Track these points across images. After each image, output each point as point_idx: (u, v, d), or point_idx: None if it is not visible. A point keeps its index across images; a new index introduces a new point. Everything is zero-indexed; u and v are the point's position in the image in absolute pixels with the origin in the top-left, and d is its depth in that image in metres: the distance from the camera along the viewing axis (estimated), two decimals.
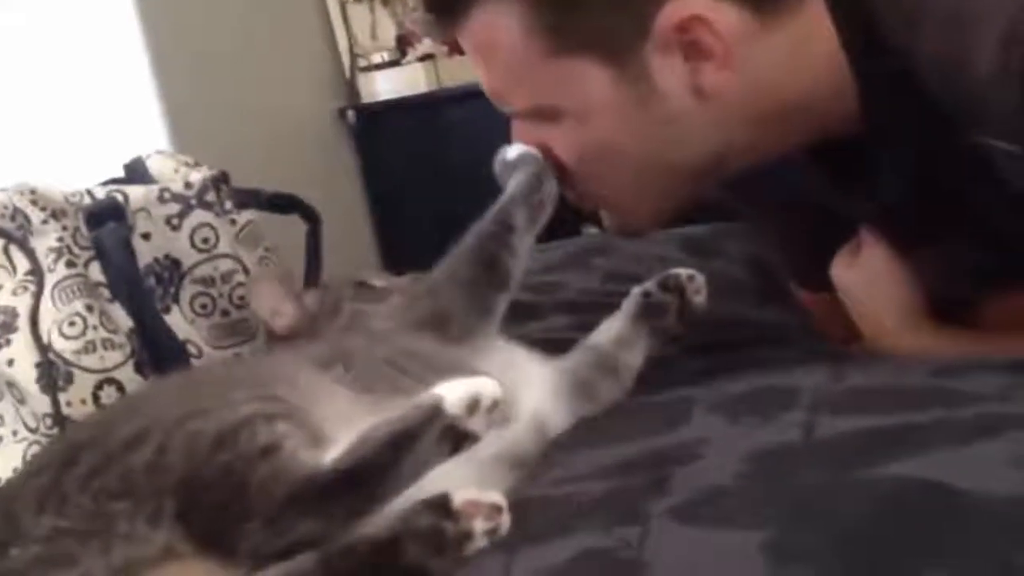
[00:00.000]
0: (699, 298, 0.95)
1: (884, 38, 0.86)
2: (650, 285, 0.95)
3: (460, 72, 2.69)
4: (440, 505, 0.66)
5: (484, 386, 0.68)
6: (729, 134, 0.91)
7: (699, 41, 0.86)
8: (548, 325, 1.13)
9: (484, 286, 0.90)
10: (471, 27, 0.91)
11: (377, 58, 2.81)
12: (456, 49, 2.77)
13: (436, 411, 0.66)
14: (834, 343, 1.09)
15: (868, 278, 1.03)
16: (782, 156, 0.96)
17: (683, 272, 0.95)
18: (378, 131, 2.79)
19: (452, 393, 0.67)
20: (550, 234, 1.35)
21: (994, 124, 0.80)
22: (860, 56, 0.88)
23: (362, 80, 2.81)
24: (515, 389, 0.85)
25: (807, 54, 0.89)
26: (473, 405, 0.67)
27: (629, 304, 0.95)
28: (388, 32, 2.86)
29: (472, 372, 0.82)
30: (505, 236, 0.91)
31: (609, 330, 0.95)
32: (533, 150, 0.94)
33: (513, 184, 0.93)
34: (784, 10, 0.88)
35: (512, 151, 0.95)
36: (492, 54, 0.92)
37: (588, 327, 0.97)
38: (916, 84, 0.84)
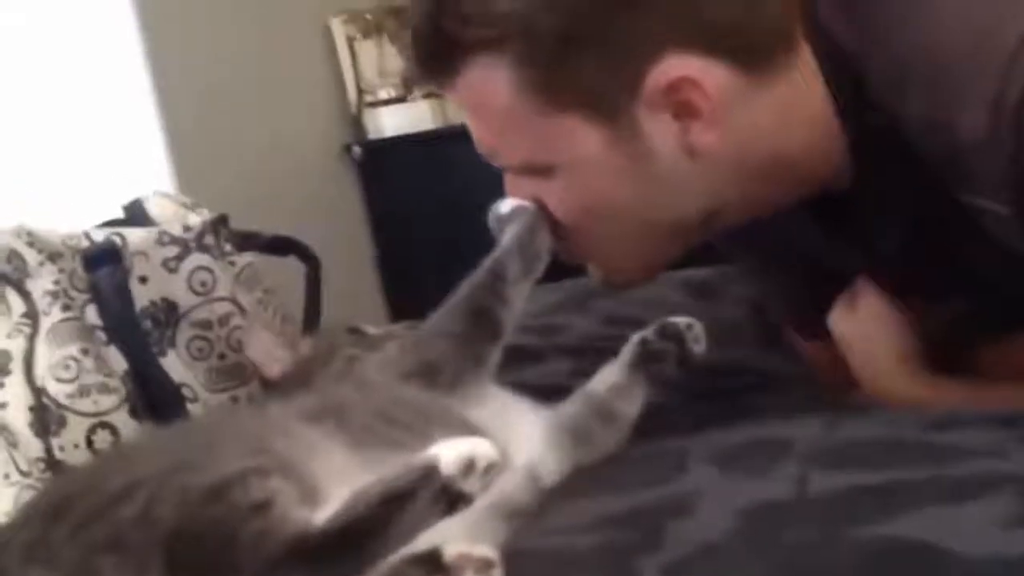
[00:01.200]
0: (698, 347, 0.95)
1: (873, 100, 0.86)
2: (648, 333, 0.95)
3: None
4: (430, 559, 0.66)
5: (480, 447, 0.67)
6: (720, 191, 0.91)
7: (688, 101, 0.86)
8: (547, 370, 1.13)
9: (476, 336, 0.90)
10: (461, 84, 0.91)
11: (384, 94, 2.82)
12: None
13: (431, 472, 0.65)
14: (831, 390, 1.09)
15: (865, 326, 1.03)
16: (775, 210, 0.96)
17: (681, 320, 0.95)
18: (383, 167, 2.80)
19: (447, 454, 0.66)
20: (555, 273, 1.35)
21: (981, 185, 0.81)
22: (850, 117, 0.89)
23: (368, 116, 2.82)
24: (510, 439, 0.84)
25: (797, 113, 0.89)
26: (468, 466, 0.66)
27: (627, 352, 0.95)
28: (395, 69, 2.88)
29: (467, 425, 0.82)
30: (497, 286, 0.91)
31: (606, 378, 0.94)
32: (527, 203, 0.94)
33: (507, 236, 0.94)
34: (774, 69, 0.88)
35: (506, 205, 0.95)
36: (482, 110, 0.92)
37: (588, 373, 0.96)
38: (905, 145, 0.84)
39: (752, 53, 0.87)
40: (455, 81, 0.91)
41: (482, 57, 0.89)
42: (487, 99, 0.90)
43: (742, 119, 0.88)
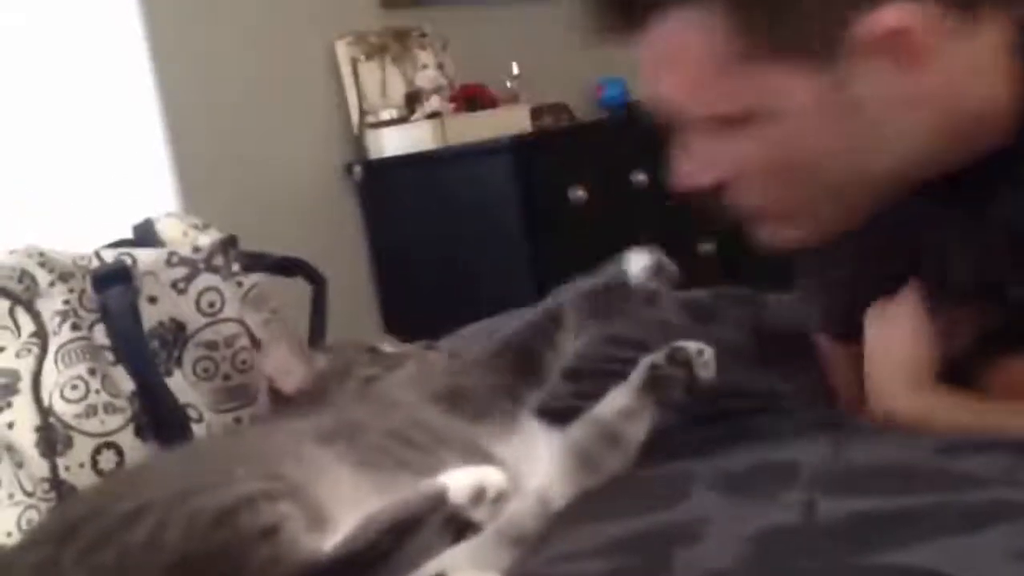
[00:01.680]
0: (706, 372, 0.94)
1: None
2: (658, 358, 0.94)
3: (466, 130, 2.72)
4: None
5: (490, 476, 0.67)
6: (923, 143, 0.89)
7: (904, 45, 0.85)
8: (549, 392, 1.12)
9: (517, 376, 0.90)
10: (660, 31, 0.88)
11: (385, 115, 2.83)
12: (462, 107, 2.80)
13: (440, 499, 0.65)
14: (840, 404, 1.08)
15: (888, 331, 1.01)
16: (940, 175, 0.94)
17: (692, 346, 0.95)
18: (383, 187, 2.81)
19: (457, 482, 0.66)
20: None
21: None
22: None
23: (370, 136, 2.83)
24: (521, 464, 0.84)
25: (994, 58, 0.88)
26: (478, 495, 0.66)
27: (636, 376, 0.94)
28: (398, 90, 2.89)
29: (481, 451, 0.82)
30: (551, 331, 0.91)
31: (614, 402, 0.94)
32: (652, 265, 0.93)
33: (581, 286, 0.93)
34: (981, 18, 0.87)
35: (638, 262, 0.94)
36: (680, 59, 0.89)
37: (589, 394, 0.96)
38: None
39: None
40: (653, 29, 0.89)
41: (689, 5, 0.87)
42: (689, 46, 0.88)
43: (951, 68, 0.87)
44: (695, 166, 0.93)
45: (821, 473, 0.79)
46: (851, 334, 1.07)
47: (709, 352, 0.95)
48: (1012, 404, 0.94)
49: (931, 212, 0.98)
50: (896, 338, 1.01)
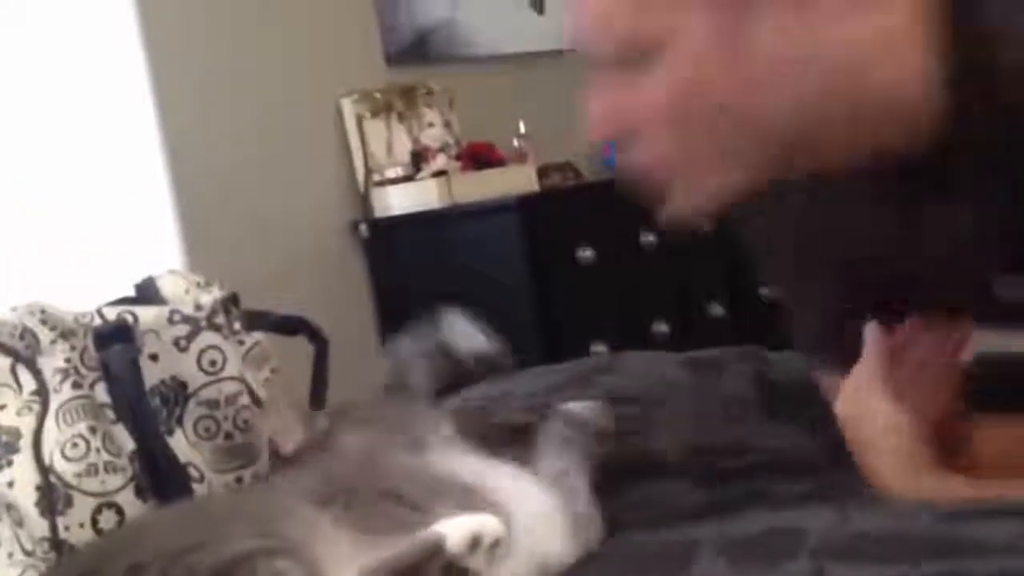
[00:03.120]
0: (606, 421, 0.97)
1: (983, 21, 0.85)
2: (558, 423, 0.95)
3: (473, 189, 2.73)
4: None
5: (486, 524, 0.69)
6: (816, 109, 0.89)
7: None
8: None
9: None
10: None
11: (391, 173, 2.85)
12: (469, 166, 2.82)
13: (437, 548, 0.67)
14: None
15: (868, 425, 1.01)
16: (861, 166, 0.93)
17: (582, 406, 0.97)
18: (389, 244, 2.82)
19: (454, 531, 0.68)
20: (559, 355, 1.36)
21: None
22: (951, 47, 0.87)
23: (376, 194, 2.85)
24: (523, 520, 0.84)
25: (905, 36, 0.88)
26: (475, 543, 0.68)
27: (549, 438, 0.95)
28: (404, 147, 2.91)
29: (479, 502, 0.82)
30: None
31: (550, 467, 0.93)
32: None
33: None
34: None
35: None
36: None
37: (591, 452, 0.95)
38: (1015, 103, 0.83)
39: None
40: None
41: None
42: None
43: (857, 32, 0.87)
44: (604, 113, 0.93)
45: (828, 541, 0.78)
46: (842, 363, 1.06)
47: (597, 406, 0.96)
48: (1006, 483, 0.93)
49: (895, 214, 0.97)
50: (876, 436, 1.00)
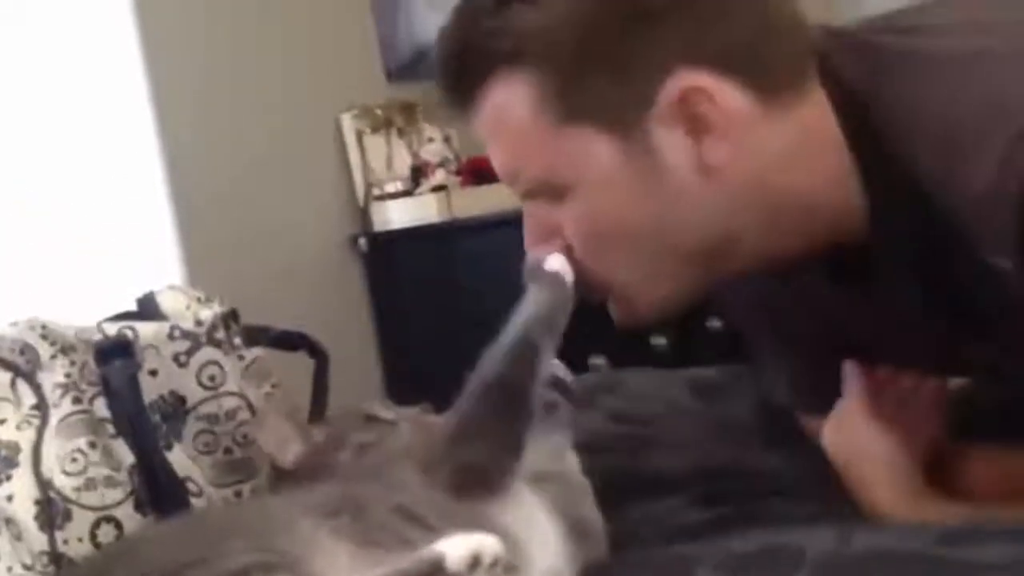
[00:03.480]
0: (566, 376, 0.97)
1: (886, 150, 0.87)
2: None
3: (472, 203, 2.74)
4: None
5: (485, 543, 0.69)
6: (734, 219, 0.91)
7: (701, 114, 0.87)
8: None
9: (512, 422, 0.86)
10: (485, 104, 0.93)
11: (391, 187, 2.86)
12: (468, 180, 2.83)
13: (437, 566, 0.67)
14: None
15: (855, 455, 1.02)
16: (792, 257, 0.95)
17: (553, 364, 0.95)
18: (388, 259, 2.82)
19: (454, 549, 0.68)
20: None
21: (991, 243, 0.81)
22: (864, 160, 0.89)
23: (375, 209, 2.86)
24: (531, 538, 0.84)
25: (812, 148, 0.90)
26: (475, 562, 0.68)
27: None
28: (403, 163, 2.92)
29: (489, 525, 0.82)
30: (532, 360, 0.88)
31: (538, 452, 0.90)
32: (568, 274, 0.92)
33: (536, 302, 0.91)
34: (787, 99, 0.89)
35: (552, 262, 0.93)
36: (503, 128, 0.93)
37: (596, 470, 0.96)
38: (917, 196, 0.85)
39: (765, 77, 0.88)
40: (478, 101, 0.93)
41: (502, 71, 0.90)
42: (507, 116, 0.92)
43: (755, 143, 0.88)
44: (536, 236, 0.96)
45: (825, 561, 0.79)
46: (821, 409, 1.08)
47: (557, 362, 0.95)
48: (1001, 507, 0.94)
49: (834, 292, 0.99)
50: (862, 460, 1.02)
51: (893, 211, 0.89)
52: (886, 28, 0.93)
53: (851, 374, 1.05)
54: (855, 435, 1.02)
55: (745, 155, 0.88)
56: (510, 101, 0.91)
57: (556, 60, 0.89)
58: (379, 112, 2.92)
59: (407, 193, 2.84)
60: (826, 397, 1.07)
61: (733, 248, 0.92)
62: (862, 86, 0.89)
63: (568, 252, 0.94)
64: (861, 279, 0.95)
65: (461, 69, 0.94)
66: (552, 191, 0.92)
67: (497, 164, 0.96)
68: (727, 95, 0.87)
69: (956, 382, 1.08)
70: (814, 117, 0.90)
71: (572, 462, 0.94)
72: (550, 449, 0.93)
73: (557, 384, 0.95)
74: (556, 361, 0.95)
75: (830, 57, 0.91)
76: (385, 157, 2.92)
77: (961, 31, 0.90)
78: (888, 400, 1.04)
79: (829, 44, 0.92)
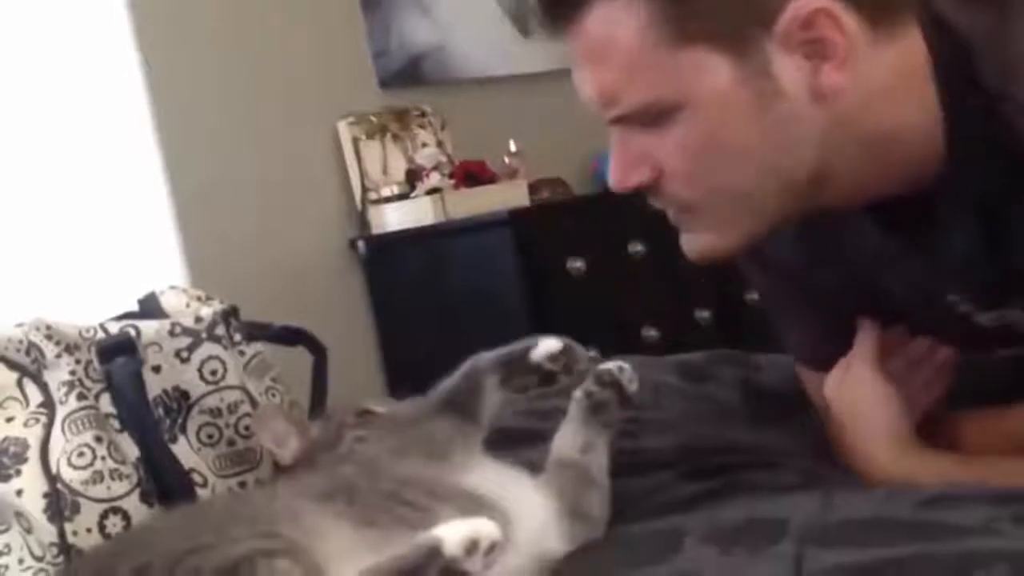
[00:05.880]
0: (633, 386, 0.97)
1: (978, 81, 0.86)
2: (588, 386, 0.97)
3: (466, 205, 2.76)
4: None
5: (483, 528, 0.70)
6: (834, 149, 0.90)
7: (822, 38, 0.86)
8: (544, 453, 1.14)
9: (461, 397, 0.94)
10: (588, 22, 0.90)
11: (387, 191, 2.88)
12: (462, 183, 2.85)
13: (435, 552, 0.68)
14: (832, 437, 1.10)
15: (856, 401, 1.03)
16: (865, 202, 0.94)
17: (612, 365, 0.98)
18: (387, 260, 2.85)
19: (452, 534, 0.69)
20: None
21: None
22: (953, 98, 0.89)
23: (372, 212, 2.88)
24: (516, 513, 0.86)
25: (906, 81, 0.89)
26: (472, 546, 0.69)
27: (577, 409, 0.97)
28: (398, 167, 2.94)
29: (476, 501, 0.84)
30: (478, 390, 0.95)
31: (571, 441, 0.96)
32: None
33: (488, 357, 0.97)
34: (895, 30, 0.89)
35: (545, 346, 0.95)
36: (608, 49, 0.90)
37: None
38: (1004, 131, 0.85)
39: (880, 6, 0.88)
40: (581, 21, 0.90)
41: None
42: (614, 36, 0.89)
43: (866, 72, 0.87)
44: (627, 164, 0.94)
45: (809, 527, 0.80)
46: (825, 364, 1.08)
47: (628, 367, 0.97)
48: (993, 460, 0.95)
49: (881, 242, 0.98)
50: (863, 405, 1.03)
51: (975, 154, 0.88)
52: None
53: (865, 328, 1.05)
54: (859, 386, 1.03)
55: (857, 84, 0.87)
56: (621, 19, 0.88)
57: None
58: (374, 119, 2.95)
59: (403, 196, 2.86)
60: (836, 355, 1.07)
61: (827, 181, 0.91)
62: (958, 20, 0.88)
63: (659, 179, 0.93)
64: (916, 227, 0.94)
65: None
66: (653, 115, 0.90)
67: (594, 88, 0.92)
68: (850, 20, 0.86)
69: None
70: (911, 51, 0.89)
71: (599, 457, 0.95)
72: (581, 442, 0.95)
73: (613, 386, 0.96)
74: (625, 365, 0.97)
75: None
76: (381, 162, 2.95)
77: None
78: (898, 361, 1.05)
79: None
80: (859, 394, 1.03)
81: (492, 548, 0.70)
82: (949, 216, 0.93)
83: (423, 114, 3.01)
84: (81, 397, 0.98)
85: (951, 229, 0.93)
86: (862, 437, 1.02)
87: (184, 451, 1.02)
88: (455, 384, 0.96)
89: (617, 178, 0.95)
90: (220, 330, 1.07)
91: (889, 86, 0.89)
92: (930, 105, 0.89)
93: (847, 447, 1.04)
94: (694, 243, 0.98)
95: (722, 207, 0.94)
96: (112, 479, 0.96)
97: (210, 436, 1.04)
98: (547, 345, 0.95)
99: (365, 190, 2.90)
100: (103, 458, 0.96)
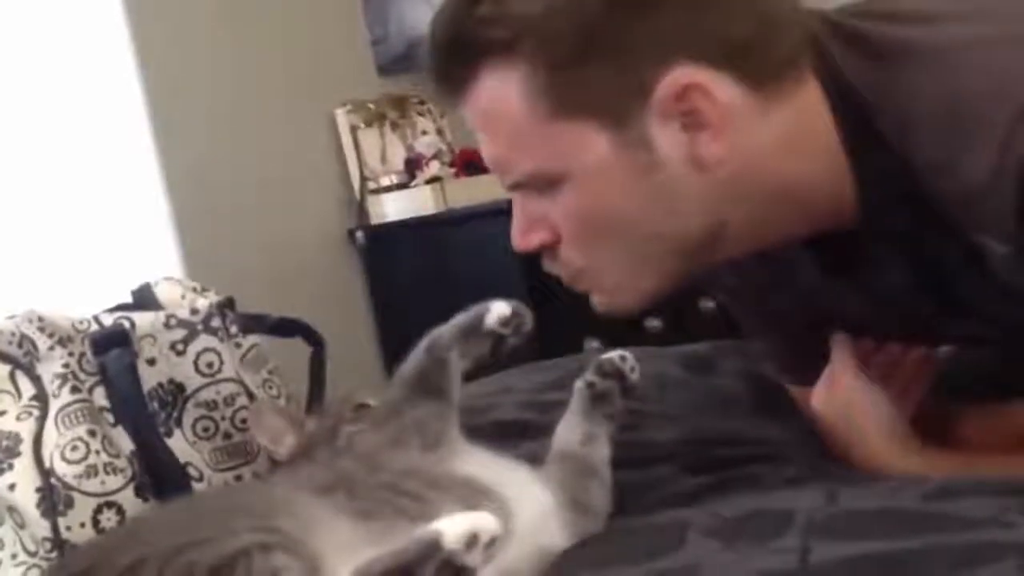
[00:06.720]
0: (635, 375, 0.98)
1: (880, 135, 0.87)
2: (590, 376, 0.97)
3: (466, 194, 2.75)
4: None
5: (483, 522, 0.69)
6: (725, 210, 0.91)
7: (697, 110, 0.87)
8: (544, 445, 1.13)
9: (430, 377, 0.94)
10: (475, 93, 0.92)
11: (386, 181, 2.87)
12: (462, 172, 2.84)
13: (435, 545, 0.67)
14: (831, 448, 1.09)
15: (847, 408, 1.03)
16: (779, 244, 0.96)
17: (615, 354, 0.98)
18: (385, 250, 2.83)
19: (452, 528, 0.68)
20: (551, 352, 1.36)
21: (988, 226, 0.82)
22: (858, 154, 0.89)
23: (372, 202, 2.87)
24: (515, 509, 0.85)
25: (804, 141, 0.90)
26: (472, 540, 0.68)
27: (579, 400, 0.97)
28: (397, 156, 2.93)
29: (475, 490, 0.84)
30: (446, 369, 0.96)
31: (572, 432, 0.96)
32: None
33: (444, 330, 0.97)
34: (782, 93, 0.89)
35: (497, 310, 0.95)
36: (496, 119, 0.92)
37: None
38: (912, 183, 0.85)
39: (762, 72, 0.88)
40: (470, 89, 0.92)
41: (496, 61, 0.89)
42: (500, 107, 0.91)
43: (749, 137, 0.88)
44: (526, 226, 0.96)
45: (815, 520, 0.80)
46: (804, 378, 1.10)
47: (631, 356, 0.98)
48: (997, 457, 0.95)
49: (822, 278, 1.00)
50: (856, 411, 1.03)
51: (885, 199, 0.89)
52: (874, 15, 0.92)
53: (838, 340, 1.06)
54: (846, 392, 1.03)
55: (739, 148, 0.88)
56: (503, 92, 0.90)
57: (552, 51, 0.87)
58: (372, 107, 2.93)
59: (402, 186, 2.85)
60: (812, 368, 1.08)
61: (722, 238, 0.93)
62: (856, 77, 0.89)
63: (554, 243, 0.95)
64: (848, 264, 0.96)
65: (453, 57, 0.93)
66: (543, 182, 0.92)
67: (488, 155, 0.96)
68: (724, 91, 0.87)
69: (944, 349, 1.09)
70: (807, 108, 0.90)
71: (601, 449, 0.95)
72: (583, 433, 0.95)
73: (615, 375, 0.97)
74: (627, 354, 0.98)
75: (822, 46, 0.90)
76: (380, 151, 2.93)
77: (950, 18, 0.89)
78: (876, 363, 1.05)
79: (820, 32, 0.91)
80: (850, 400, 1.03)
81: (492, 542, 0.69)
82: (877, 253, 0.94)
83: (422, 101, 3.00)
84: (75, 390, 0.98)
85: (882, 265, 0.94)
86: (861, 442, 1.02)
87: (179, 445, 1.01)
88: (421, 366, 0.96)
89: (516, 240, 0.97)
90: (216, 322, 1.06)
91: (786, 141, 0.90)
92: (836, 153, 0.90)
93: (847, 455, 1.03)
94: (596, 300, 1.00)
95: (613, 271, 0.96)
96: (106, 473, 0.95)
97: (206, 429, 1.04)
98: (499, 309, 0.96)
99: (364, 179, 2.88)
100: (97, 452, 0.95)
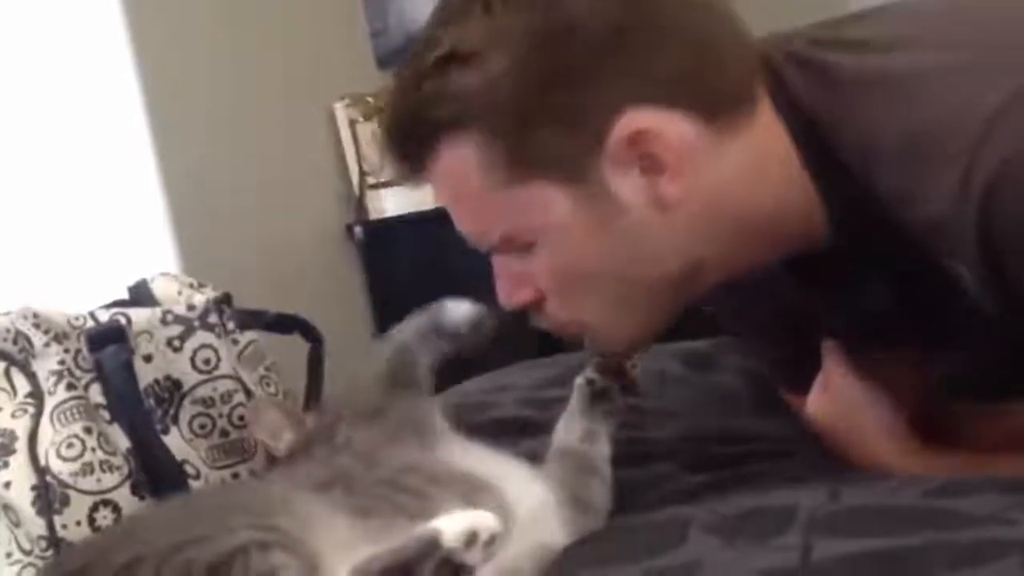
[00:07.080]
0: (635, 371, 0.99)
1: (843, 165, 0.87)
2: (591, 373, 0.97)
3: None
4: None
5: (482, 520, 0.69)
6: (695, 247, 0.91)
7: (651, 153, 0.87)
8: (544, 443, 1.13)
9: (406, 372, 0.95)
10: (438, 170, 0.92)
11: (385, 176, 2.86)
12: None
13: (434, 543, 0.67)
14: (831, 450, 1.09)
15: (844, 410, 1.03)
16: (758, 268, 0.96)
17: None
18: (384, 246, 2.83)
19: (451, 526, 0.68)
20: (554, 347, 1.36)
21: (955, 252, 0.82)
22: (821, 177, 0.89)
23: (370, 197, 2.86)
24: (514, 505, 0.85)
25: (767, 166, 0.90)
26: (471, 538, 0.68)
27: (579, 397, 0.97)
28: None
29: (474, 485, 0.83)
30: (414, 365, 0.97)
31: (572, 429, 0.96)
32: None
33: (406, 328, 0.99)
34: (737, 123, 0.89)
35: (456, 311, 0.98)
36: (459, 193, 0.93)
37: None
38: (880, 211, 0.85)
39: (712, 104, 0.88)
40: (431, 167, 0.92)
41: (450, 136, 0.89)
42: (460, 180, 0.91)
43: (709, 171, 0.88)
44: (511, 285, 0.96)
45: (817, 517, 0.79)
46: (796, 385, 1.10)
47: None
48: (999, 456, 0.95)
49: (806, 296, 1.00)
50: (855, 411, 1.03)
51: (853, 226, 0.89)
52: (833, 42, 0.92)
53: (827, 345, 1.05)
54: (842, 393, 1.03)
55: (700, 184, 0.88)
56: (460, 166, 0.90)
57: (499, 120, 0.87)
58: (371, 100, 2.92)
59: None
60: (805, 374, 1.08)
61: (699, 271, 0.93)
62: (815, 106, 0.88)
63: (539, 299, 0.95)
64: (828, 281, 0.96)
65: (408, 138, 0.93)
66: (516, 246, 0.93)
67: (459, 226, 0.96)
68: (675, 130, 0.87)
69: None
70: (765, 136, 0.90)
71: (602, 446, 0.95)
72: (583, 430, 0.96)
73: (618, 374, 0.97)
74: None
75: (779, 75, 0.90)
76: (379, 145, 2.93)
77: (910, 45, 0.89)
78: (869, 366, 1.05)
79: (776, 61, 0.91)
80: (848, 401, 1.03)
81: (492, 540, 0.69)
82: (855, 272, 0.94)
83: None
84: (70, 387, 0.97)
85: (861, 283, 0.94)
86: (860, 442, 1.02)
87: (176, 442, 1.01)
88: (392, 364, 0.97)
89: (503, 299, 0.98)
90: (213, 318, 1.06)
91: (748, 169, 0.90)
92: (800, 177, 0.90)
93: (846, 456, 1.03)
94: (591, 345, 1.01)
95: (597, 320, 0.96)
96: (102, 471, 0.95)
97: (203, 426, 1.03)
98: (460, 309, 0.99)
99: (363, 174, 2.88)
100: (93, 449, 0.95)
